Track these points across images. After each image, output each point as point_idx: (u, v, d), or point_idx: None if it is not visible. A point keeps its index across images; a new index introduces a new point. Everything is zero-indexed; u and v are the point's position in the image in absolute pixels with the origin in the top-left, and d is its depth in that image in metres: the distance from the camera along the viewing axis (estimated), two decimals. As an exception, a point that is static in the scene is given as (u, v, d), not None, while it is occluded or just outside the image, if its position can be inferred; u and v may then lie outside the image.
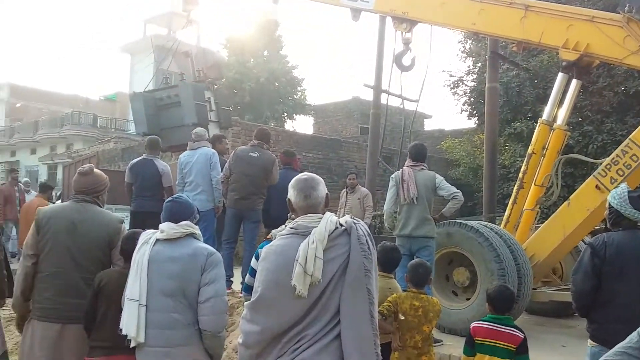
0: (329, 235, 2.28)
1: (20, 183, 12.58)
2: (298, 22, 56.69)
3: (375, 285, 2.32)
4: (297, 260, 2.24)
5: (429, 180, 5.83)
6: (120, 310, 3.05)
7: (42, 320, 3.41)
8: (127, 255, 3.28)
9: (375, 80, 12.42)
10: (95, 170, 3.77)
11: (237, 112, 22.22)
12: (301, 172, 7.19)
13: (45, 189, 11.33)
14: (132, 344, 2.96)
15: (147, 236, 3.14)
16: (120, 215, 4.80)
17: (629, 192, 3.25)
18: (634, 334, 2.24)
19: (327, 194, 2.51)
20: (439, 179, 5.84)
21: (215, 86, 8.96)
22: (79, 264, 3.45)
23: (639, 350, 2.19)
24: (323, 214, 2.41)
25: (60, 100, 40.97)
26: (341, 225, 2.34)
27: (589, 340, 3.29)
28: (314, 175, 2.55)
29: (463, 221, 6.46)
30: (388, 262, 4.08)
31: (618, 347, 2.27)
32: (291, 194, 2.47)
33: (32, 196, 11.86)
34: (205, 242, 6.31)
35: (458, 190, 5.76)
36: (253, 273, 3.55)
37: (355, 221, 2.38)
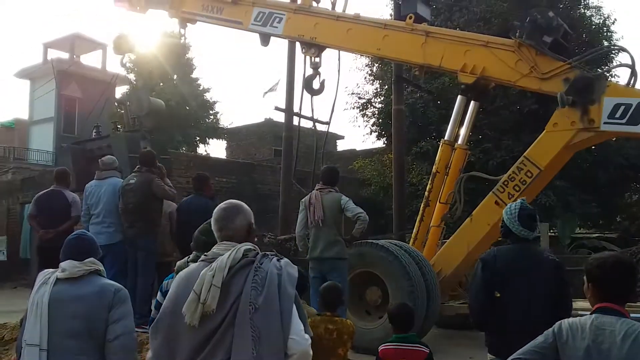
0: (235, 265, 2.20)
1: None
2: (210, 44, 56.21)
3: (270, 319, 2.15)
4: (194, 287, 2.16)
5: (335, 202, 5.91)
6: None
7: None
8: None
9: (287, 103, 12.57)
10: None
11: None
12: (212, 198, 6.99)
13: None
14: None
15: (46, 276, 2.98)
16: None
17: (520, 209, 3.37)
18: (548, 333, 2.38)
19: (250, 223, 2.41)
20: (344, 200, 5.93)
21: (152, 136, 8.40)
22: None
23: (549, 349, 2.35)
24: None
25: (-47, 129, 38.01)
26: (254, 256, 2.25)
27: (488, 353, 3.40)
28: (237, 204, 2.44)
29: (373, 241, 6.61)
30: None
31: (531, 345, 2.40)
32: (212, 224, 2.42)
33: None
34: (114, 276, 6.03)
35: (362, 211, 5.85)
36: (158, 306, 3.45)
37: (271, 255, 2.28)
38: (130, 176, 6.59)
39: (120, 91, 25.98)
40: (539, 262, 3.33)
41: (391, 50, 7.74)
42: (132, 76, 24.44)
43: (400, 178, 10.67)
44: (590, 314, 2.35)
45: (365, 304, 6.62)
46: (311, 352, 2.23)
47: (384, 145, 17.87)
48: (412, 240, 7.47)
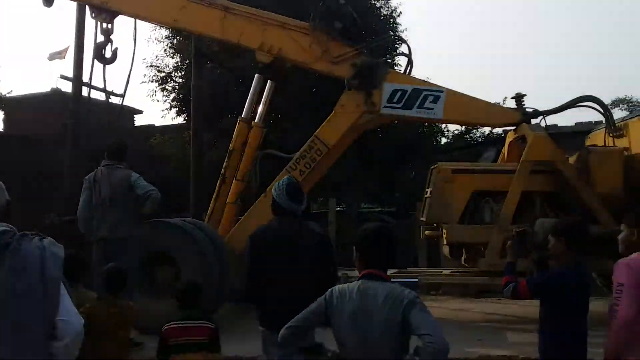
0: None
1: None
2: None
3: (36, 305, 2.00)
4: None
5: (124, 179, 5.61)
6: None
7: None
8: None
9: (75, 72, 11.50)
10: None
11: None
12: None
13: None
14: None
15: None
16: None
17: (287, 184, 3.47)
18: (321, 299, 2.52)
19: (8, 201, 2.19)
20: (135, 177, 5.66)
21: None
22: None
23: (321, 314, 2.52)
24: None
25: None
26: (10, 238, 2.02)
27: (259, 326, 3.47)
28: None
29: (165, 219, 6.41)
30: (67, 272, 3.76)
31: (305, 312, 2.55)
32: None
33: None
34: None
35: (154, 188, 5.65)
36: None
37: (31, 234, 2.08)
38: None
39: None
40: (305, 236, 3.42)
41: (189, 22, 7.51)
42: None
43: (198, 156, 10.53)
44: (357, 279, 2.56)
45: (157, 284, 6.40)
46: (83, 333, 2.09)
47: (185, 121, 17.37)
48: (207, 217, 7.41)
